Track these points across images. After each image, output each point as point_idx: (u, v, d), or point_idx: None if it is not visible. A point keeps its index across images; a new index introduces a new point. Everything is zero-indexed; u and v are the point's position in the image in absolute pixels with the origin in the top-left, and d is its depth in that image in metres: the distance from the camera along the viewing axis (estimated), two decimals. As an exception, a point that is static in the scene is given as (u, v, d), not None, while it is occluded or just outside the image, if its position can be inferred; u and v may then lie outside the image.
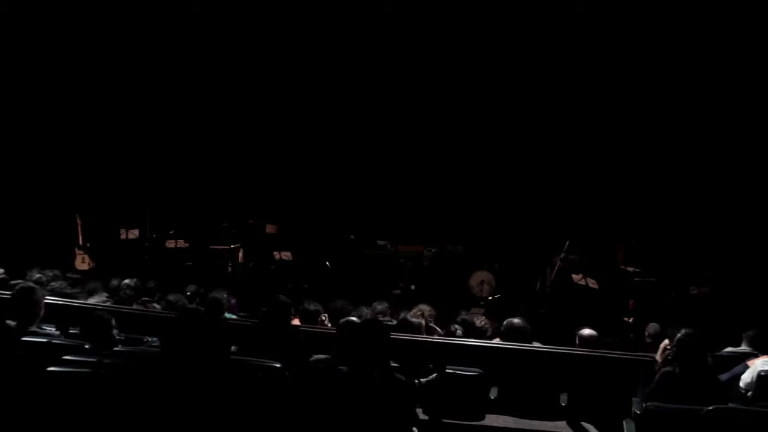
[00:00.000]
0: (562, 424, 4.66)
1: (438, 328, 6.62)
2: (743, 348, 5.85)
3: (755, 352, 5.56)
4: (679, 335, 5.09)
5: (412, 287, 10.92)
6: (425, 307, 6.49)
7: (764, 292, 8.38)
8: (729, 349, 6.10)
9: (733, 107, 9.21)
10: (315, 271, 11.44)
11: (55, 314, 5.17)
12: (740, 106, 9.12)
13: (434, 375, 4.73)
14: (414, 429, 3.73)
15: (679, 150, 10.02)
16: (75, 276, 8.78)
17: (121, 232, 10.89)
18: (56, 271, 8.06)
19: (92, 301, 6.94)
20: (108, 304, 6.84)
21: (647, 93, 10.38)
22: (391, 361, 4.28)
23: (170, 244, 11.04)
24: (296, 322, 5.95)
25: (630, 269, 9.78)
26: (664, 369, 4.95)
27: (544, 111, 11.33)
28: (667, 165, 10.23)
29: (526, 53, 11.05)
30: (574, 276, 10.25)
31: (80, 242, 10.32)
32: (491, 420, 4.52)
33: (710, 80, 9.48)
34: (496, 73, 11.34)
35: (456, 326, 6.25)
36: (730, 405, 4.11)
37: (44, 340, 4.33)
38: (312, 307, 6.26)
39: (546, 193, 11.64)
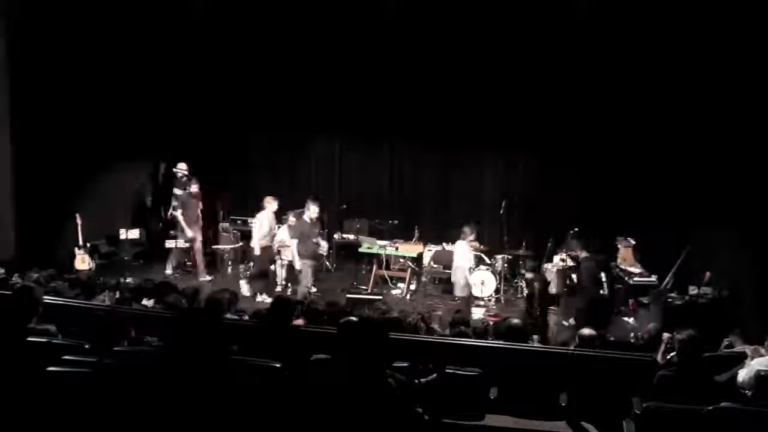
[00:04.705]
0: (562, 424, 4.65)
1: (438, 328, 6.65)
2: (741, 348, 5.87)
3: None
4: (679, 336, 5.11)
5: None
6: (422, 309, 6.55)
7: (764, 291, 8.38)
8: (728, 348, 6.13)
9: (733, 107, 9.19)
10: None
11: (55, 314, 5.17)
12: (741, 106, 9.09)
13: (434, 375, 4.73)
14: (414, 429, 3.72)
15: (680, 150, 10.00)
16: (73, 276, 8.79)
17: (121, 232, 10.88)
18: (52, 271, 8.06)
19: (92, 301, 6.95)
20: (108, 303, 6.85)
21: (646, 93, 10.36)
22: (393, 361, 4.29)
23: (170, 244, 11.04)
24: (299, 322, 5.96)
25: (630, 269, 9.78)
26: (661, 372, 4.97)
27: (545, 111, 11.32)
28: (667, 165, 10.21)
29: (526, 53, 11.04)
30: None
31: (80, 242, 10.31)
32: (491, 420, 4.50)
33: (711, 82, 9.45)
34: (497, 73, 11.34)
35: (463, 327, 6.28)
36: (730, 405, 4.11)
37: (44, 340, 4.32)
38: (320, 307, 6.29)
39: (546, 193, 11.66)
